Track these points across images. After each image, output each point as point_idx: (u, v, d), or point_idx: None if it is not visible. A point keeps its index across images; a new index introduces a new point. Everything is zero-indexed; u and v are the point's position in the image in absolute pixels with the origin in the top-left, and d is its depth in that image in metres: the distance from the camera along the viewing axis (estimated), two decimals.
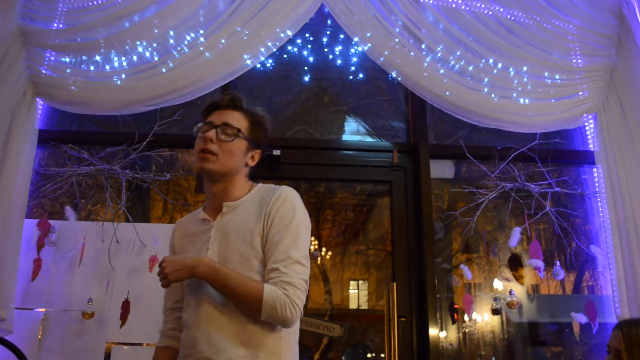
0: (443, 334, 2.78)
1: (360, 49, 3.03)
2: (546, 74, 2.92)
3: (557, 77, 2.93)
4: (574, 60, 3.00)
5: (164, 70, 2.68)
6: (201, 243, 1.44)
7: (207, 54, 2.70)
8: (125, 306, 2.47)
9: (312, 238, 4.44)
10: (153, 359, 1.51)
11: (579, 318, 2.68)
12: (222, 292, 1.32)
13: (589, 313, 2.67)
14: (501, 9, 2.99)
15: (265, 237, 1.36)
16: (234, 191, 1.46)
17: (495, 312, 2.79)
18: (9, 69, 2.53)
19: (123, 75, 2.69)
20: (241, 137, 1.44)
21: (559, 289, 3.07)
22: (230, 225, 1.41)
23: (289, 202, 1.39)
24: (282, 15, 2.76)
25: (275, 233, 1.35)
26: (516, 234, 2.73)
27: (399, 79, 2.86)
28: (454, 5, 2.96)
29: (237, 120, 1.46)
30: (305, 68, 3.20)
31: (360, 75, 3.21)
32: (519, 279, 2.77)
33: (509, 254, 2.80)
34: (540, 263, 2.68)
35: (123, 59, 2.74)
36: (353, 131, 3.17)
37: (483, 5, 2.98)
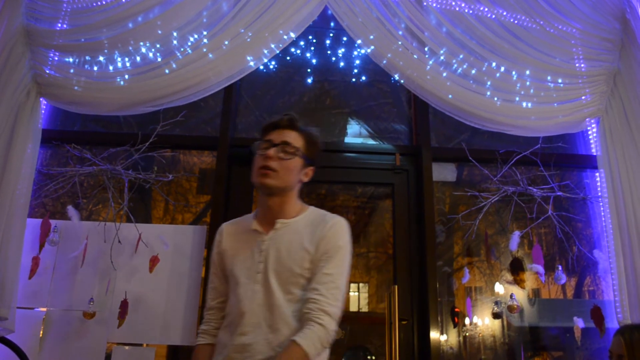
0: (444, 338, 2.77)
1: (363, 51, 3.03)
2: (549, 77, 2.92)
3: (559, 81, 2.92)
4: (577, 65, 3.00)
5: (167, 71, 2.69)
6: (251, 253, 1.52)
7: (210, 56, 2.70)
8: (124, 306, 2.47)
9: None
10: (195, 356, 1.57)
11: (581, 323, 2.67)
12: None
13: (594, 318, 2.64)
14: (504, 13, 2.99)
15: (314, 260, 1.48)
16: (288, 208, 1.56)
17: (496, 316, 2.78)
18: (13, 68, 2.54)
19: (126, 76, 2.70)
20: (299, 155, 1.55)
21: (559, 293, 3.06)
22: (283, 241, 1.51)
23: (341, 232, 1.53)
24: (285, 18, 2.77)
25: (325, 258, 1.47)
26: (515, 237, 2.72)
27: (402, 81, 2.86)
28: (457, 9, 2.97)
29: (295, 139, 1.56)
30: (308, 70, 3.20)
31: (363, 78, 3.21)
32: (520, 283, 2.76)
33: (511, 258, 2.79)
34: (541, 268, 2.67)
35: (126, 59, 2.75)
36: (355, 133, 3.17)
37: (486, 9, 2.99)
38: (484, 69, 2.87)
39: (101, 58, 2.74)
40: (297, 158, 1.54)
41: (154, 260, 2.54)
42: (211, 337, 1.57)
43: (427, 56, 2.87)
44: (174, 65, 2.69)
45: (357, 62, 3.22)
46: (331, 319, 1.41)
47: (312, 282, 1.45)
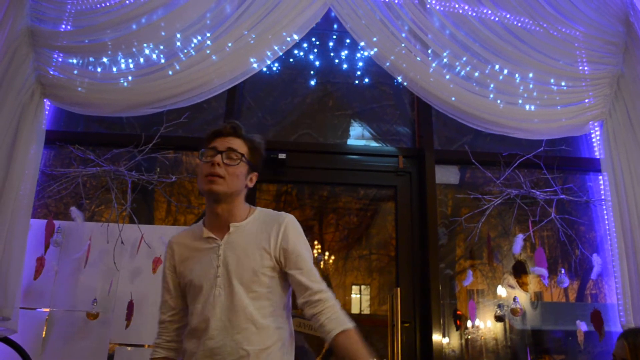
0: (446, 340, 2.77)
1: (366, 53, 3.03)
2: (552, 80, 2.92)
3: (563, 84, 2.92)
4: (580, 67, 3.00)
5: (170, 72, 2.70)
6: (208, 259, 1.55)
7: (213, 57, 2.71)
8: (130, 307, 2.48)
9: (315, 242, 4.45)
10: None
11: (583, 326, 2.66)
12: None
13: (594, 322, 2.64)
14: (508, 15, 2.99)
15: (283, 261, 1.54)
16: (237, 212, 1.59)
17: (498, 319, 2.78)
18: (17, 69, 2.54)
19: (130, 77, 2.70)
20: (244, 161, 1.58)
21: (562, 296, 3.06)
22: (239, 243, 1.55)
23: (297, 229, 1.59)
24: (289, 20, 2.77)
25: (296, 256, 1.54)
26: (519, 240, 2.72)
27: (405, 83, 2.86)
28: (460, 11, 2.97)
29: (239, 146, 1.59)
30: (311, 72, 3.21)
31: (366, 80, 3.21)
32: (523, 286, 2.75)
33: (513, 261, 2.79)
34: (544, 271, 2.66)
35: (130, 61, 2.76)
36: (358, 135, 3.17)
37: (490, 12, 2.99)
38: (487, 71, 2.87)
39: (105, 59, 2.75)
40: (242, 164, 1.57)
41: (156, 262, 2.55)
42: (164, 350, 1.60)
43: (430, 58, 2.87)
44: (177, 67, 2.70)
45: (360, 64, 3.22)
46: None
47: (304, 283, 1.51)
